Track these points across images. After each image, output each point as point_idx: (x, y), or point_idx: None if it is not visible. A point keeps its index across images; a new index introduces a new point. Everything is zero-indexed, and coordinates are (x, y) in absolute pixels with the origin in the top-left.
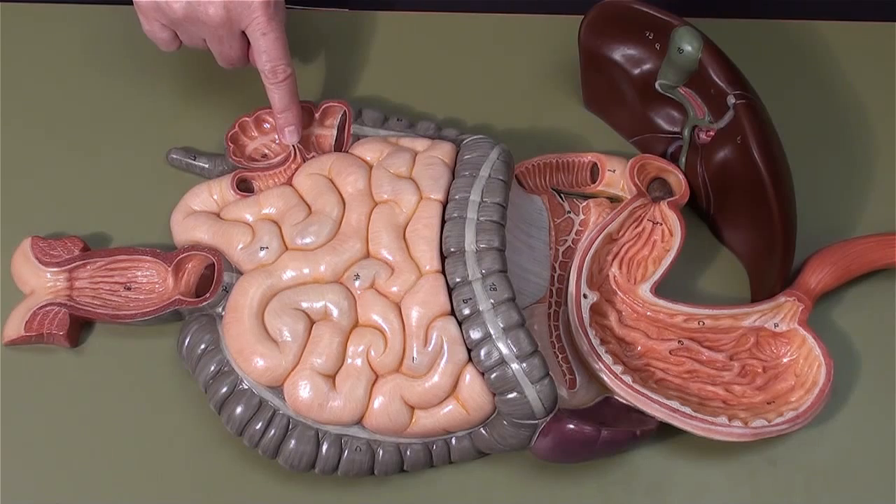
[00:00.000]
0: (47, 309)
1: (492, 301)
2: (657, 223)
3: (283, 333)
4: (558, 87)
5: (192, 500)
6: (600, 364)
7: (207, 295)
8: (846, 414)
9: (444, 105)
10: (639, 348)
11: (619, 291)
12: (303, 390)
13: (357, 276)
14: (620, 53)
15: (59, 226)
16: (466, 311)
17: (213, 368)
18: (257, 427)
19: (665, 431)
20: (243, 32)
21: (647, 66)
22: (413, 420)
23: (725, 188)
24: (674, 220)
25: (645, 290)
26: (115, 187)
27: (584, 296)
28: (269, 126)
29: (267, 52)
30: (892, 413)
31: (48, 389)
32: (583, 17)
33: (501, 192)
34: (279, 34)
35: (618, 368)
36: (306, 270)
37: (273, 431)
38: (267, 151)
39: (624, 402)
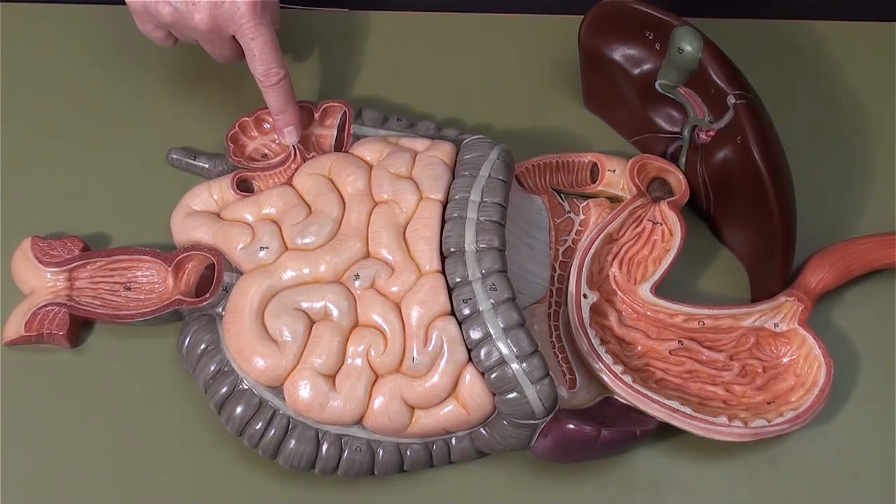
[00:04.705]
0: (47, 309)
1: (492, 301)
2: (657, 223)
3: (283, 333)
4: (558, 87)
5: (192, 500)
6: (600, 364)
7: (207, 295)
8: (846, 414)
9: (444, 105)
10: (639, 348)
11: (619, 291)
12: (303, 390)
13: (357, 276)
14: (620, 53)
15: (59, 226)
16: (466, 311)
17: (213, 368)
18: (257, 427)
19: (665, 431)
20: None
21: (647, 66)
22: (413, 420)
23: (725, 188)
24: (674, 220)
25: (645, 290)
26: (115, 187)
27: (584, 296)
28: (269, 126)
29: (258, 57)
30: (892, 413)
31: (48, 389)
32: (583, 17)
33: (501, 192)
34: (268, 37)
35: (618, 368)
36: (306, 270)
37: (273, 431)
38: (267, 151)
39: (624, 402)
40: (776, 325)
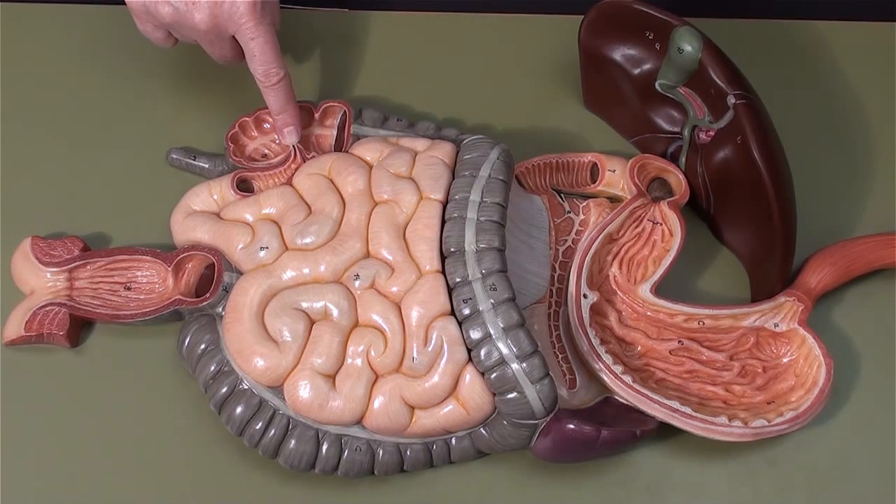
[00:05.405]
0: (47, 309)
1: (492, 301)
2: (657, 223)
3: (283, 333)
4: (558, 87)
5: (192, 500)
6: (600, 364)
7: (207, 295)
8: (846, 414)
9: (444, 105)
10: (639, 348)
11: (619, 291)
12: (303, 390)
13: (357, 276)
14: (620, 53)
15: (59, 226)
16: (466, 311)
17: (213, 368)
18: (257, 427)
19: (665, 431)
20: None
21: (647, 66)
22: (413, 420)
23: (725, 188)
24: (674, 220)
25: (645, 290)
26: (115, 187)
27: (584, 296)
28: (269, 126)
29: (258, 57)
30: (892, 413)
31: (48, 389)
32: (583, 17)
33: (501, 192)
34: (268, 37)
35: (618, 368)
36: (306, 270)
37: (273, 431)
38: (267, 151)
39: (624, 402)
40: (776, 325)
